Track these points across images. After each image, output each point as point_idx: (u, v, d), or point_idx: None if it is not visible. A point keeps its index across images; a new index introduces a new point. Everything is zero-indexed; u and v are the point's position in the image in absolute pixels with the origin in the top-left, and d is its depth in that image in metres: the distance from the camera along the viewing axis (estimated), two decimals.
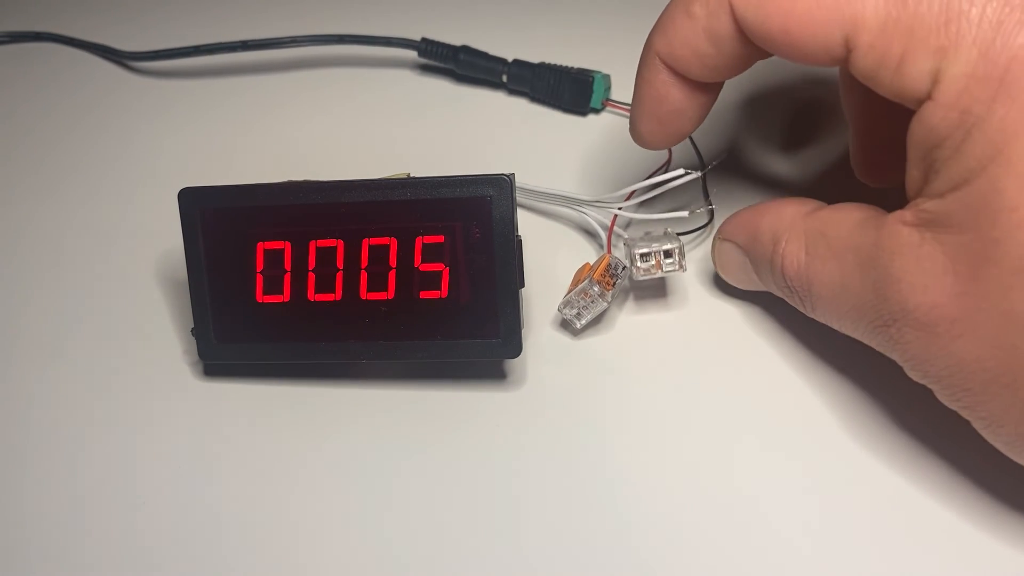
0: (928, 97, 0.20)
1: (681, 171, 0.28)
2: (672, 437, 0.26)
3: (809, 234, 0.24)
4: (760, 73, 0.40)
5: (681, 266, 0.27)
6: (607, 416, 0.27)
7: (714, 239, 0.29)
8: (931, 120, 0.20)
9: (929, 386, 0.22)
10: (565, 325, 0.29)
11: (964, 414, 0.22)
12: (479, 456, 0.26)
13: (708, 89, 0.26)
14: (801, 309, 0.25)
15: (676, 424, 0.27)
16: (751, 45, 0.23)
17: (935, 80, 0.19)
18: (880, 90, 0.21)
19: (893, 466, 0.25)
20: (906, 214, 0.21)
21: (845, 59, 0.21)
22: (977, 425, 0.22)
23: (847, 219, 0.23)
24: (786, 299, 0.26)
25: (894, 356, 0.22)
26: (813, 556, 0.23)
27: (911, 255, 0.20)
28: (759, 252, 0.26)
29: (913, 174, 0.21)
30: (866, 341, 0.23)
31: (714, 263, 0.29)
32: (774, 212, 0.26)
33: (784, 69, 0.37)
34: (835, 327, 0.24)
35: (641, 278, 0.28)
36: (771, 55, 0.24)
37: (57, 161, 0.38)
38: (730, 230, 0.28)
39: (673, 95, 0.26)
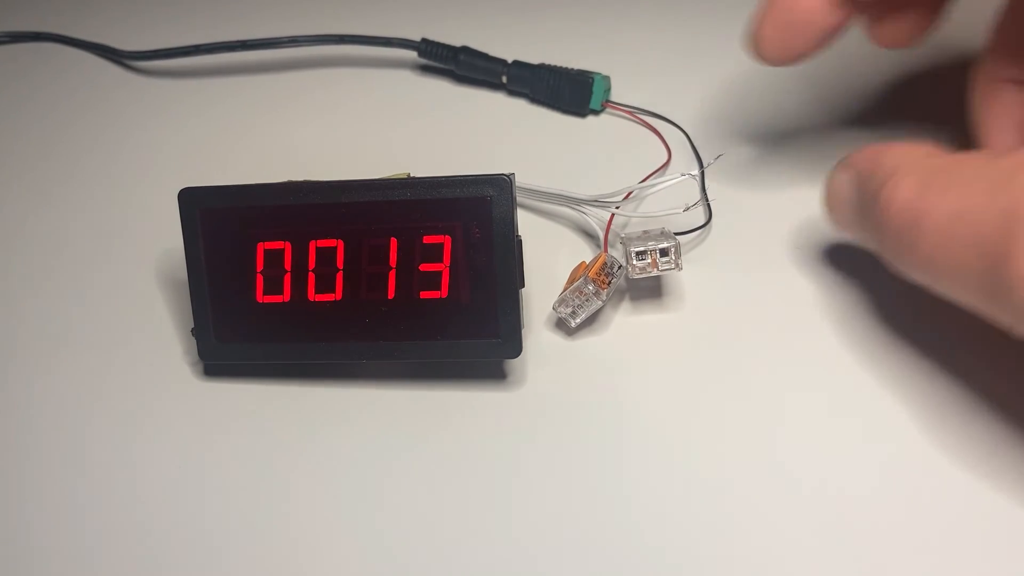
0: None
1: (679, 173, 0.29)
2: (672, 437, 0.26)
3: (929, 169, 0.23)
4: (761, 74, 0.40)
5: (677, 265, 0.28)
6: (607, 416, 0.27)
7: (832, 171, 0.27)
8: None
9: None
10: (560, 324, 0.29)
11: None
12: (479, 456, 0.26)
13: (845, 7, 0.26)
14: (894, 256, 0.24)
15: (676, 424, 0.27)
16: None
17: None
18: None
19: (893, 466, 0.25)
20: None
21: None
22: None
23: (978, 156, 0.22)
24: (878, 245, 0.24)
25: (1012, 295, 0.20)
26: (814, 556, 0.24)
27: None
28: (872, 184, 0.24)
29: None
30: (970, 283, 0.21)
31: (824, 196, 0.28)
32: (899, 148, 0.25)
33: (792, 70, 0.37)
34: (929, 275, 0.23)
35: (637, 276, 0.28)
36: None
37: (57, 161, 0.38)
38: (852, 159, 0.26)
39: (811, 3, 0.26)
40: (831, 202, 0.27)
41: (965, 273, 0.21)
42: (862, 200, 0.25)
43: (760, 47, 0.27)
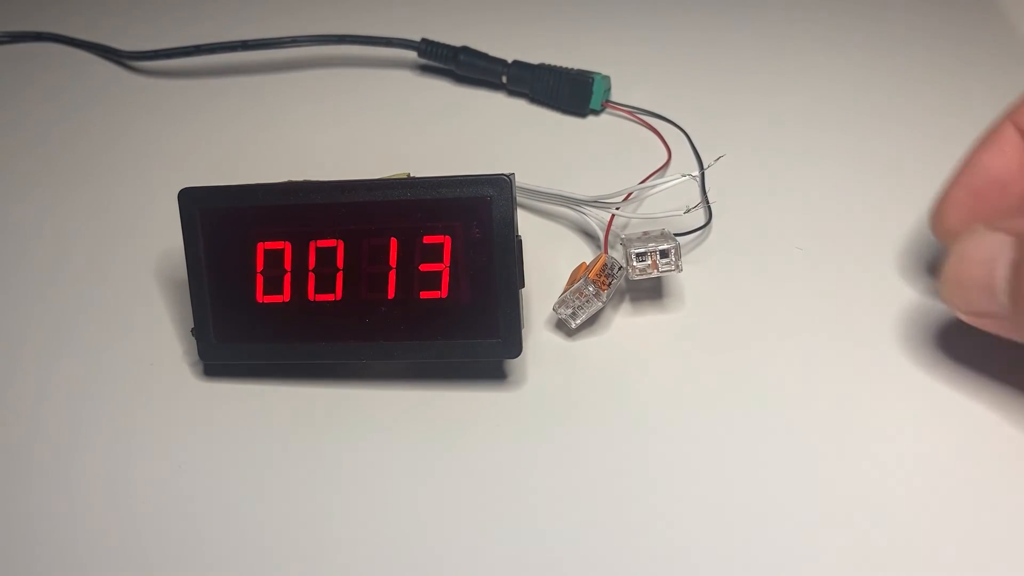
0: None
1: (678, 175, 0.29)
2: (672, 437, 0.26)
3: None
4: (762, 74, 0.40)
5: (677, 267, 0.28)
6: (607, 416, 0.27)
7: (962, 237, 0.23)
8: None
9: None
10: (561, 324, 0.29)
11: None
12: (479, 456, 0.26)
13: None
14: None
15: (676, 424, 0.27)
16: None
17: None
18: None
19: (892, 464, 0.25)
20: None
21: None
22: None
23: None
24: None
25: None
26: (814, 556, 0.24)
27: None
28: None
29: None
30: None
31: (947, 266, 0.24)
32: None
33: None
34: None
35: (637, 278, 0.28)
36: None
37: (57, 161, 0.38)
38: (1006, 219, 0.22)
39: (1005, 163, 0.24)
40: (966, 266, 0.23)
41: None
42: None
43: (944, 216, 0.25)
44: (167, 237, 0.32)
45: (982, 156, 0.25)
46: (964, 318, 0.24)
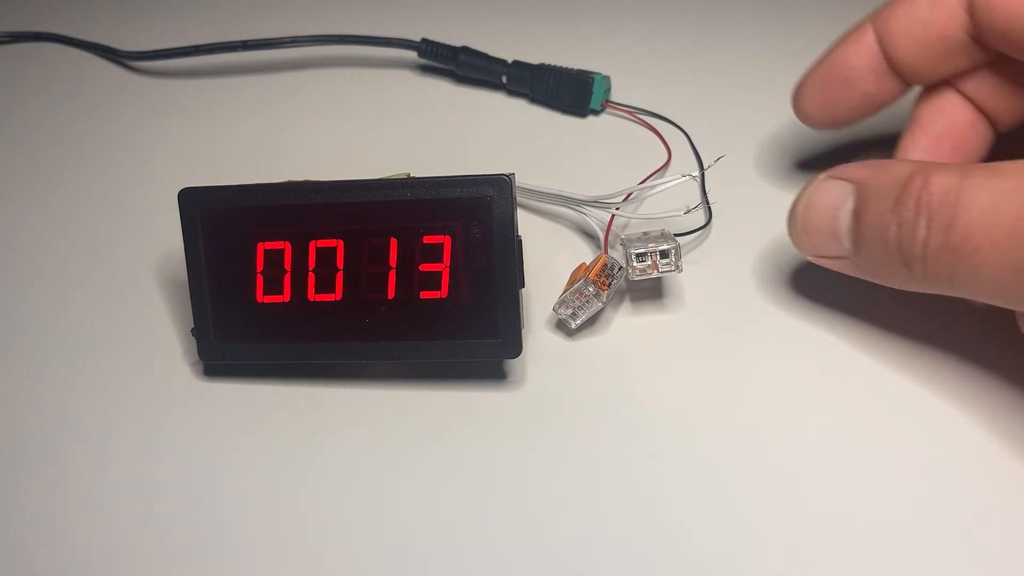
0: None
1: (679, 175, 0.29)
2: (672, 437, 0.26)
3: (965, 166, 0.21)
4: (762, 74, 0.40)
5: (677, 267, 0.28)
6: (607, 416, 0.27)
7: (811, 185, 0.25)
8: None
9: None
10: (561, 325, 0.29)
11: None
12: (479, 456, 0.26)
13: (891, 83, 0.26)
14: (913, 253, 0.22)
15: (676, 424, 0.27)
16: (964, 32, 0.24)
17: None
18: None
19: (893, 463, 0.25)
20: None
21: None
22: None
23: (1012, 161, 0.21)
24: (887, 248, 0.23)
25: None
26: (815, 555, 0.24)
27: None
28: (884, 182, 0.23)
29: None
30: (1017, 262, 0.20)
31: (794, 211, 0.26)
32: (910, 160, 0.24)
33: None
34: (962, 269, 0.21)
35: (637, 278, 0.28)
36: (970, 66, 0.26)
37: (57, 161, 0.38)
38: (844, 168, 0.24)
39: (857, 60, 0.26)
40: (812, 212, 0.25)
41: (1016, 246, 0.20)
42: (869, 204, 0.23)
43: (800, 101, 0.27)
44: (167, 237, 0.32)
45: (838, 52, 0.27)
46: (813, 260, 0.26)
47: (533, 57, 0.39)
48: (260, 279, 0.27)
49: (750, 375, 0.28)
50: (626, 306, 0.30)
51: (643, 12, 0.44)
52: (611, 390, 0.28)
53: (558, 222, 0.33)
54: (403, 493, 0.26)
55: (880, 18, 0.27)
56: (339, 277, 0.26)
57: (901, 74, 0.27)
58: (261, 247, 0.27)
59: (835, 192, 0.24)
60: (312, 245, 0.26)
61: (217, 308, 0.27)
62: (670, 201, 0.31)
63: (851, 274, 0.25)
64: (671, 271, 0.28)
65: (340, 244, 0.26)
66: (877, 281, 0.24)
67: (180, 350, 0.30)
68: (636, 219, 0.32)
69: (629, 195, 0.30)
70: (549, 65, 0.38)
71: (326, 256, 0.26)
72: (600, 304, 0.28)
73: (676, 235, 0.28)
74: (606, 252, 0.29)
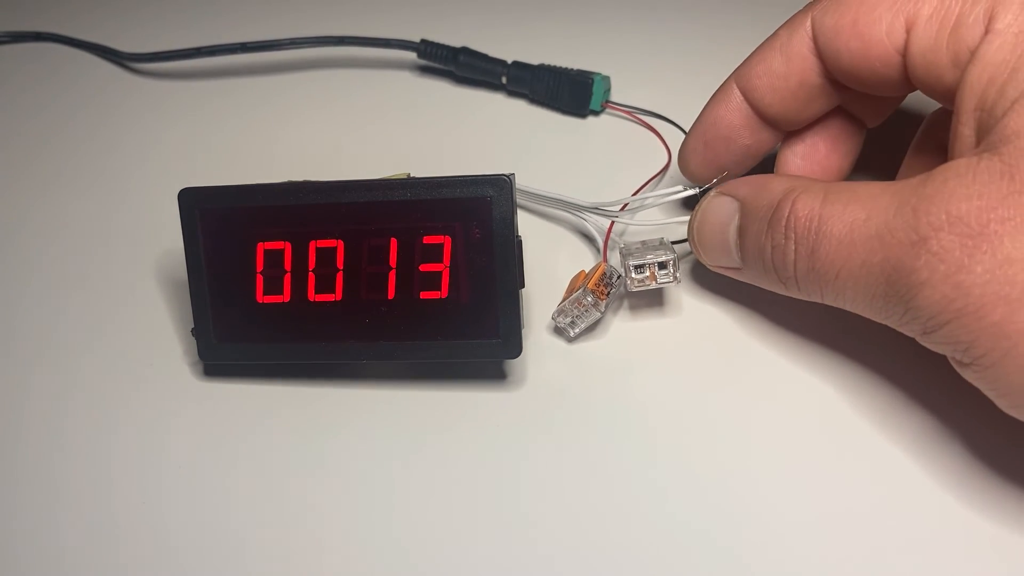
0: (986, 32, 0.21)
1: (679, 187, 0.29)
2: (670, 440, 0.26)
3: (830, 187, 0.23)
4: None
5: (676, 278, 0.27)
6: (606, 417, 0.27)
7: (703, 200, 0.27)
8: (987, 54, 0.21)
9: (949, 323, 0.20)
10: (559, 332, 0.29)
11: (980, 348, 0.20)
12: (479, 456, 0.26)
13: (763, 130, 0.28)
14: (788, 269, 0.24)
15: (674, 427, 0.27)
16: (819, 77, 0.26)
17: (990, 18, 0.21)
18: (936, 66, 0.23)
19: (893, 463, 0.25)
20: (962, 150, 0.22)
21: (904, 47, 0.23)
22: (996, 355, 0.20)
23: (871, 182, 0.23)
24: (765, 266, 0.25)
25: (913, 295, 0.21)
26: (816, 555, 0.24)
27: (967, 173, 0.20)
28: (762, 202, 0.25)
29: (964, 132, 0.22)
30: (871, 290, 0.22)
31: (692, 226, 0.28)
32: (786, 175, 0.26)
33: None
34: (829, 282, 0.23)
35: (635, 289, 0.28)
36: (831, 105, 0.27)
37: (57, 161, 0.38)
38: (730, 187, 0.27)
39: (729, 118, 0.28)
40: (706, 228, 0.27)
41: (867, 280, 0.22)
42: (749, 219, 0.25)
43: (684, 161, 0.29)
44: (167, 237, 0.32)
45: (709, 113, 0.29)
46: (714, 270, 0.28)
47: (533, 57, 0.39)
48: (260, 279, 0.27)
49: (750, 380, 0.28)
50: (625, 310, 0.30)
51: (643, 12, 0.44)
52: (611, 391, 0.28)
53: (558, 223, 0.33)
54: (403, 493, 0.26)
55: (742, 76, 0.28)
56: (339, 277, 0.26)
57: (773, 125, 0.28)
58: (261, 247, 0.27)
59: (724, 209, 0.27)
60: (312, 245, 0.26)
61: (217, 308, 0.27)
62: (670, 210, 0.31)
63: (748, 282, 0.27)
64: (669, 282, 0.27)
65: (340, 244, 0.26)
66: (768, 289, 0.26)
67: (180, 350, 0.30)
68: (635, 225, 0.32)
69: (625, 205, 0.30)
70: (549, 65, 0.38)
71: (326, 256, 0.26)
72: (599, 314, 0.28)
73: (675, 242, 0.28)
74: (605, 261, 0.29)
